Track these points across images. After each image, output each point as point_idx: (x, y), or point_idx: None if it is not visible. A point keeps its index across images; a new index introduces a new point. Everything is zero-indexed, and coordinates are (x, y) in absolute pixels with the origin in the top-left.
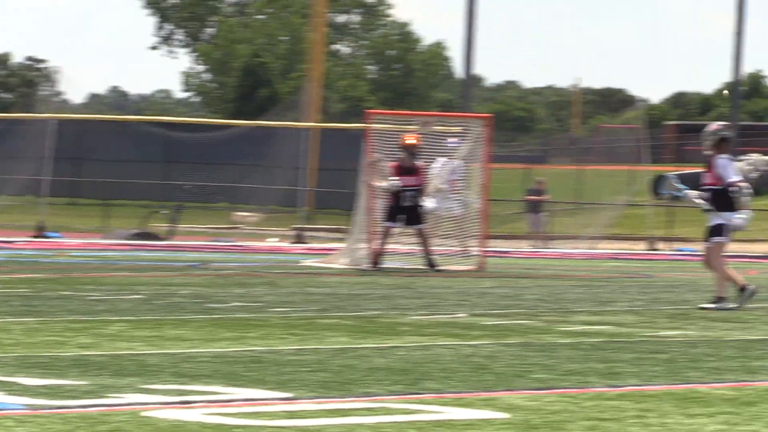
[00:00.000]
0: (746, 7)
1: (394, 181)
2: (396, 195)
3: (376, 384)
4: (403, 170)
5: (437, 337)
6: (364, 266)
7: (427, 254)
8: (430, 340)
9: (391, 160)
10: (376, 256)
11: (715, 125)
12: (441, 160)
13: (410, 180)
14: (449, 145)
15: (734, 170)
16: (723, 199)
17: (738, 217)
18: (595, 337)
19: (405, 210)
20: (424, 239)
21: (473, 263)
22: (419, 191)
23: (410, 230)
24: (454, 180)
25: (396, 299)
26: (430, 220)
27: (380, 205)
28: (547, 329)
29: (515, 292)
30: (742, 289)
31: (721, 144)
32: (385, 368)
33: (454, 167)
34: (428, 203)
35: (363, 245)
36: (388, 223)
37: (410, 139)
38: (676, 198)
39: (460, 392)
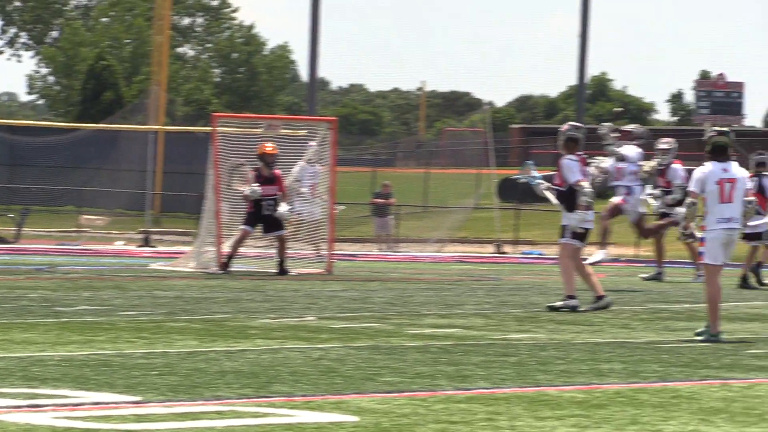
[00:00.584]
0: (590, 9)
1: (256, 188)
2: (256, 202)
3: (225, 387)
4: (261, 179)
5: (286, 340)
6: (212, 269)
7: (282, 260)
8: (279, 343)
9: (244, 164)
10: (228, 259)
11: (564, 126)
12: (300, 163)
13: (269, 189)
14: (310, 148)
15: (579, 171)
16: (567, 199)
17: (575, 218)
18: (443, 340)
19: (264, 218)
20: (281, 245)
21: (321, 266)
22: (277, 200)
23: (269, 237)
24: (315, 184)
25: (244, 302)
26: (290, 224)
27: (229, 208)
28: (396, 332)
29: (363, 296)
30: (599, 297)
31: (569, 144)
32: (234, 372)
33: (315, 171)
34: (284, 208)
35: (210, 248)
36: (246, 227)
37: (268, 148)
38: (530, 186)
39: (309, 395)
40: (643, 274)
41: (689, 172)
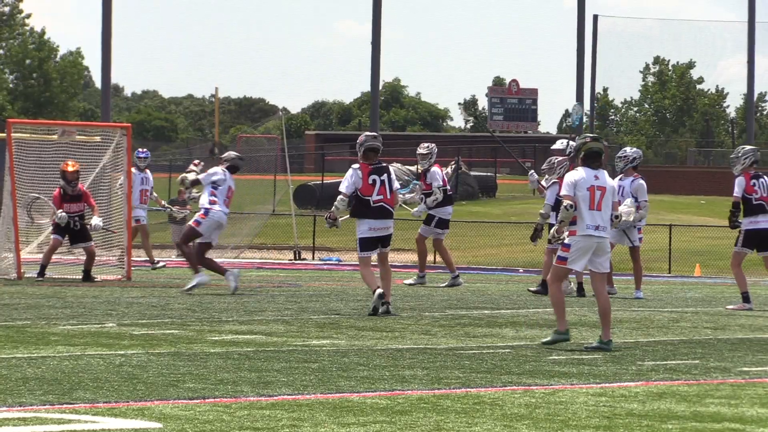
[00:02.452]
0: (381, 16)
1: (62, 215)
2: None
3: (28, 394)
4: (67, 197)
5: (88, 346)
6: (11, 276)
7: (88, 269)
8: (81, 349)
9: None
10: (42, 268)
11: (361, 136)
12: (133, 170)
13: (75, 207)
14: (139, 155)
15: (352, 181)
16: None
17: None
18: (245, 347)
19: (71, 230)
20: (89, 255)
21: (120, 273)
22: (84, 215)
23: (76, 248)
24: (145, 190)
25: (44, 309)
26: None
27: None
28: (197, 339)
29: (163, 302)
30: (374, 292)
31: (368, 154)
32: (36, 378)
33: (147, 176)
34: (96, 221)
35: (9, 255)
36: (57, 236)
37: (69, 167)
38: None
39: (113, 402)
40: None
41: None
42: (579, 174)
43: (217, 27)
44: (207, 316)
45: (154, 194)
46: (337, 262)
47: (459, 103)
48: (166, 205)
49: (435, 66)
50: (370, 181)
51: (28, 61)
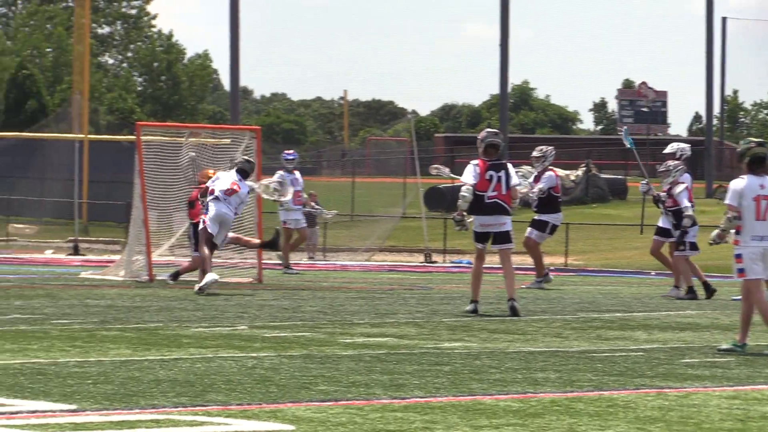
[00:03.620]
0: (510, 18)
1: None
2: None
3: (161, 396)
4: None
5: (219, 349)
6: (143, 278)
7: (181, 272)
8: (213, 352)
9: (164, 173)
10: (179, 275)
11: (482, 133)
12: (281, 173)
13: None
14: (287, 157)
15: (473, 175)
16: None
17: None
18: (377, 349)
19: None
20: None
21: (251, 275)
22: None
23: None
24: (297, 191)
25: (176, 311)
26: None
27: (157, 217)
28: (329, 341)
29: (295, 305)
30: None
31: (489, 150)
32: (169, 380)
33: (297, 178)
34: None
35: (140, 257)
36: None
37: (210, 172)
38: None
39: (245, 404)
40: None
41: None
42: (744, 182)
43: (346, 30)
44: (339, 318)
45: (304, 195)
46: (468, 265)
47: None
48: (316, 206)
49: (564, 68)
50: (487, 177)
51: (156, 64)
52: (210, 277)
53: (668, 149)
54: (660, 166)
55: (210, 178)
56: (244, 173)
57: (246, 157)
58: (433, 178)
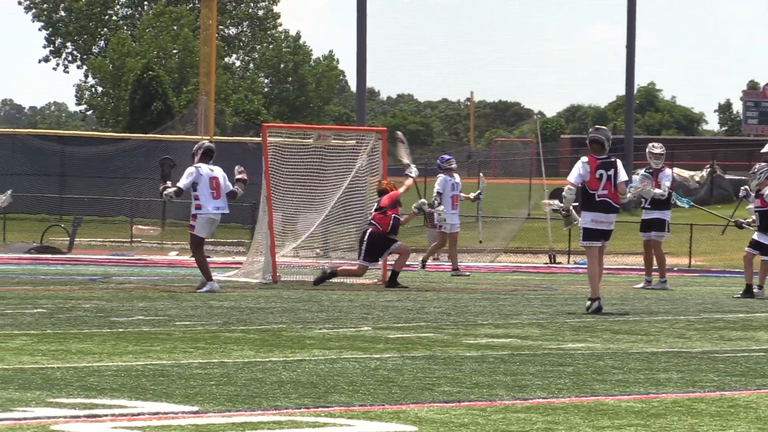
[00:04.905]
0: (636, 20)
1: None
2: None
3: (283, 397)
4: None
5: (343, 350)
6: (267, 279)
7: (397, 270)
8: (336, 353)
9: (289, 175)
10: (333, 275)
11: (591, 129)
12: (440, 176)
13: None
14: (444, 159)
15: (580, 173)
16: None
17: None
18: (500, 350)
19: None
20: (402, 254)
21: (375, 277)
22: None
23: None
24: (456, 195)
25: (300, 313)
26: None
27: (282, 218)
28: (452, 342)
29: (418, 306)
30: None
31: (593, 146)
32: (292, 381)
33: (457, 182)
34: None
35: (261, 258)
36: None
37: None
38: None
39: (368, 405)
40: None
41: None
42: None
43: (472, 31)
44: (462, 319)
45: (462, 196)
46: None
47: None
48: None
49: (690, 70)
50: (597, 176)
51: (282, 65)
52: (210, 286)
53: (765, 149)
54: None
55: (385, 188)
56: (210, 155)
57: (204, 142)
58: (559, 179)
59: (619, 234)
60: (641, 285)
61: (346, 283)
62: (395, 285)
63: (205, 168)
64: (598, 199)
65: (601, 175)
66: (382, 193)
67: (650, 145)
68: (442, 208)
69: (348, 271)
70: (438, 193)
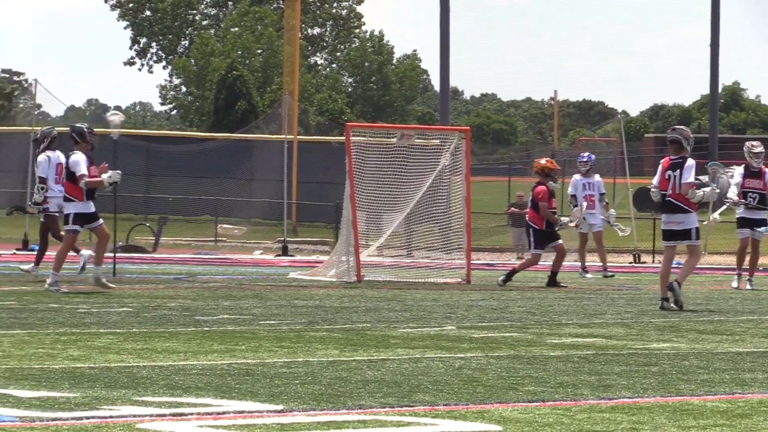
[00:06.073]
0: (721, 18)
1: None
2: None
3: (368, 396)
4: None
5: (427, 349)
6: (351, 279)
7: (556, 270)
8: (420, 352)
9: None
10: (513, 273)
11: (669, 130)
12: (575, 177)
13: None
14: (581, 160)
15: (658, 174)
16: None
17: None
18: (585, 350)
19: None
20: (559, 254)
21: (459, 276)
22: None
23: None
24: (589, 195)
25: (384, 312)
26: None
27: (365, 218)
28: (536, 342)
29: (502, 305)
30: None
31: (670, 146)
32: (376, 381)
33: (589, 183)
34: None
35: (349, 258)
36: (558, 243)
37: (542, 162)
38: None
39: (452, 405)
40: None
41: None
42: None
43: (555, 30)
44: (546, 319)
45: (597, 196)
46: (678, 266)
47: None
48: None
49: None
50: (666, 176)
51: (366, 64)
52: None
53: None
54: None
55: (544, 167)
56: (52, 142)
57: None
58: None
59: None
60: (740, 284)
61: (432, 282)
62: (555, 285)
63: (53, 156)
64: (666, 200)
65: (669, 175)
66: (542, 173)
67: (749, 144)
68: (577, 209)
69: (525, 264)
70: (571, 195)
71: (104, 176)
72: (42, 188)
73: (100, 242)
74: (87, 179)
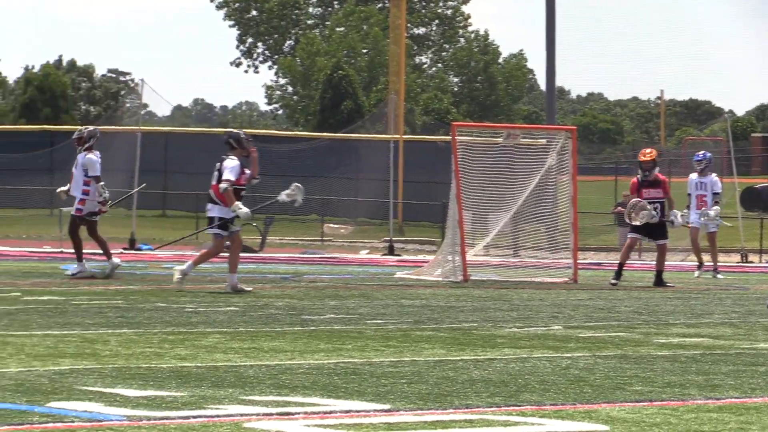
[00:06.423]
0: None
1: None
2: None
3: (475, 396)
4: (645, 183)
5: (534, 349)
6: (458, 278)
7: (660, 269)
8: (527, 352)
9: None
10: (621, 267)
11: None
12: (692, 176)
13: (653, 192)
14: (696, 159)
15: None
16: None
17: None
18: (692, 350)
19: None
20: (661, 254)
21: (566, 276)
22: (664, 204)
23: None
24: (701, 195)
25: (490, 312)
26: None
27: (472, 217)
28: (644, 341)
29: (609, 305)
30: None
31: None
32: (483, 380)
33: (709, 180)
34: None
35: (455, 257)
36: (633, 235)
37: (644, 156)
38: None
39: (559, 404)
40: None
41: None
42: None
43: (662, 29)
44: (654, 318)
45: (720, 198)
46: None
47: None
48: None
49: None
50: None
51: (473, 64)
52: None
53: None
54: None
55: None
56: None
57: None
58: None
59: None
60: None
61: (538, 282)
62: (661, 284)
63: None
64: None
65: None
66: (646, 166)
67: None
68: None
69: (663, 259)
70: (688, 194)
71: (281, 195)
72: (104, 186)
73: (234, 249)
74: (226, 186)
